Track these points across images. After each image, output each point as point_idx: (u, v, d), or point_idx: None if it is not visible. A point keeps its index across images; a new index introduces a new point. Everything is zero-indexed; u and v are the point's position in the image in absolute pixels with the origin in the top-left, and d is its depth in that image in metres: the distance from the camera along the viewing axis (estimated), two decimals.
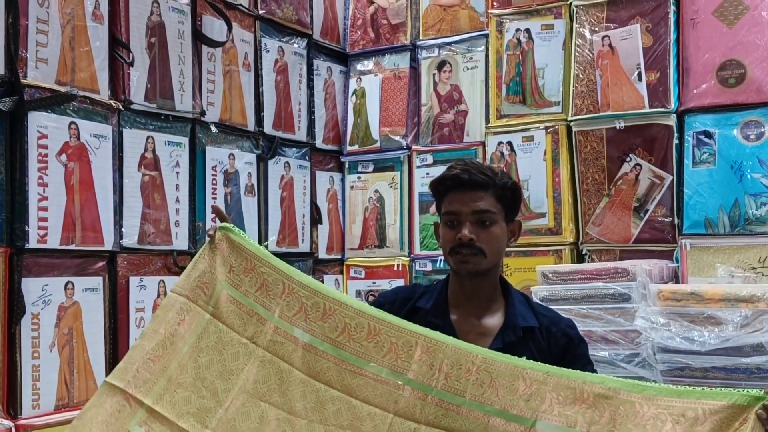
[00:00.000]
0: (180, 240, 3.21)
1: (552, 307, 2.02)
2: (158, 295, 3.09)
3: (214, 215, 1.81)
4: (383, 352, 1.55)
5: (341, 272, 4.26)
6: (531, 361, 1.54)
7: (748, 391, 1.38)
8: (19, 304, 2.54)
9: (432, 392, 1.51)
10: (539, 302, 2.64)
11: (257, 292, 1.65)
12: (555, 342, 1.87)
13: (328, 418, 1.54)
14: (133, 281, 2.99)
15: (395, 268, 4.10)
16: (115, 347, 2.90)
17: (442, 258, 3.85)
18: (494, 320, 1.87)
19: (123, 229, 2.96)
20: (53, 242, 2.69)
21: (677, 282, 3.20)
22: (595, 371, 1.91)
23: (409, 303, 1.91)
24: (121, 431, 1.53)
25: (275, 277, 1.66)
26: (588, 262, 3.43)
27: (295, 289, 1.64)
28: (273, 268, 1.68)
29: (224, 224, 1.76)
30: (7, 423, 2.47)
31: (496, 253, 1.85)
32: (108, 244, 2.89)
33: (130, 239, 2.99)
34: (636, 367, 2.87)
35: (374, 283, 4.15)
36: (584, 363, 1.90)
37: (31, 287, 2.60)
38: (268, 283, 1.65)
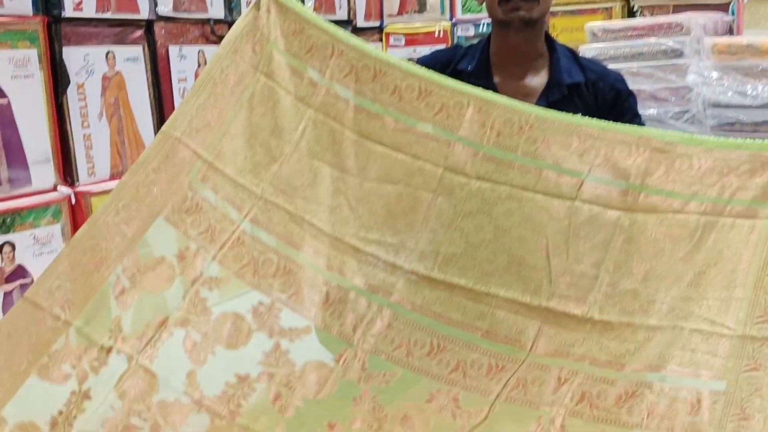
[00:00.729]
0: (215, 8, 3.13)
1: None
2: (198, 65, 3.06)
3: None
4: (434, 111, 1.53)
5: (380, 40, 4.16)
6: (586, 117, 1.50)
7: None
8: (63, 74, 2.54)
9: (483, 149, 1.49)
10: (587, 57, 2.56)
11: (307, 55, 1.61)
12: (602, 97, 1.82)
13: (380, 175, 1.55)
14: (173, 51, 2.95)
15: (436, 35, 3.99)
16: (162, 117, 2.93)
17: (486, 21, 3.72)
18: (538, 79, 1.81)
19: None
20: (89, 10, 2.63)
21: (732, 35, 3.07)
22: (643, 124, 1.87)
23: (449, 66, 1.85)
24: (181, 180, 1.56)
25: (324, 39, 1.60)
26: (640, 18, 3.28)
27: (345, 51, 1.59)
28: (321, 30, 1.60)
29: None
30: (66, 190, 2.56)
31: (546, 0, 1.76)
32: (144, 12, 2.83)
33: (165, 6, 2.91)
34: (685, 124, 2.83)
35: (414, 50, 4.05)
36: (632, 116, 1.86)
37: (73, 57, 2.59)
38: (317, 46, 1.60)
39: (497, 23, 1.81)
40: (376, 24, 4.14)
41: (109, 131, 2.72)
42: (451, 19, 3.95)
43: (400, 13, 4.10)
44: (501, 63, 1.82)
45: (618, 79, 1.87)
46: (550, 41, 1.85)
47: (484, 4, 1.83)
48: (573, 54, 1.89)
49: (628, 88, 1.87)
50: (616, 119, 1.78)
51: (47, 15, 2.52)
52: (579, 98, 1.80)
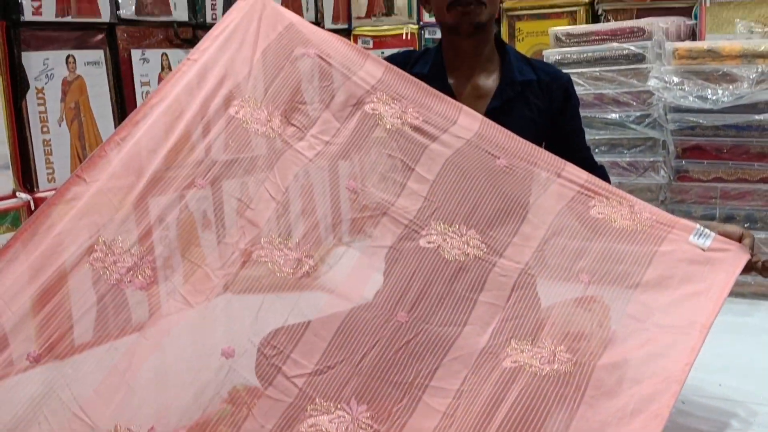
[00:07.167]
0: (179, 11, 3.11)
1: (565, 71, 1.96)
2: (162, 69, 3.04)
3: None
4: None
5: None
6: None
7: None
8: (22, 79, 2.51)
9: None
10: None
11: None
12: (555, 98, 1.85)
13: None
14: (135, 54, 2.93)
15: (404, 37, 3.99)
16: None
17: None
18: (491, 80, 1.83)
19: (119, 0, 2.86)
20: (49, 14, 2.60)
21: (694, 40, 3.10)
22: (582, 129, 1.94)
23: (404, 69, 1.85)
24: None
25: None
26: (604, 22, 3.31)
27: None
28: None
29: None
30: (25, 197, 2.53)
31: (493, 3, 1.77)
32: (105, 16, 2.80)
33: (127, 10, 2.89)
34: (646, 128, 2.85)
35: (383, 53, 4.05)
36: (578, 120, 1.93)
37: (32, 62, 2.56)
38: None
39: (447, 29, 1.83)
40: (345, 26, 4.13)
41: (69, 136, 2.69)
42: (418, 22, 3.96)
43: (367, 16, 4.10)
44: (454, 66, 1.84)
45: (569, 80, 1.90)
46: (500, 43, 1.87)
47: (432, 11, 1.84)
48: (523, 56, 1.92)
49: (575, 90, 1.91)
50: (564, 121, 1.84)
51: (5, 19, 2.49)
52: (532, 96, 1.83)
